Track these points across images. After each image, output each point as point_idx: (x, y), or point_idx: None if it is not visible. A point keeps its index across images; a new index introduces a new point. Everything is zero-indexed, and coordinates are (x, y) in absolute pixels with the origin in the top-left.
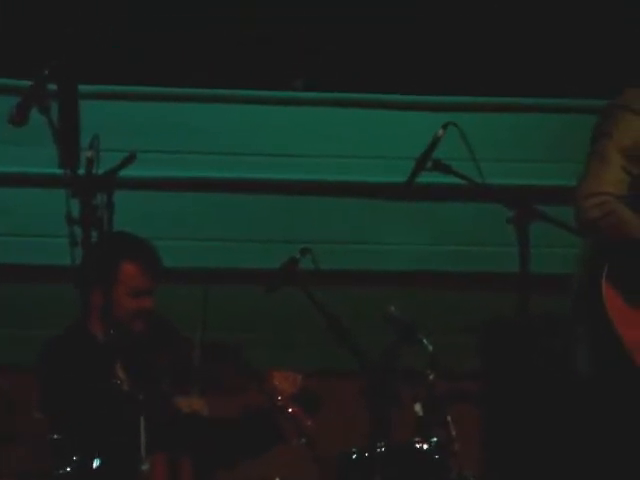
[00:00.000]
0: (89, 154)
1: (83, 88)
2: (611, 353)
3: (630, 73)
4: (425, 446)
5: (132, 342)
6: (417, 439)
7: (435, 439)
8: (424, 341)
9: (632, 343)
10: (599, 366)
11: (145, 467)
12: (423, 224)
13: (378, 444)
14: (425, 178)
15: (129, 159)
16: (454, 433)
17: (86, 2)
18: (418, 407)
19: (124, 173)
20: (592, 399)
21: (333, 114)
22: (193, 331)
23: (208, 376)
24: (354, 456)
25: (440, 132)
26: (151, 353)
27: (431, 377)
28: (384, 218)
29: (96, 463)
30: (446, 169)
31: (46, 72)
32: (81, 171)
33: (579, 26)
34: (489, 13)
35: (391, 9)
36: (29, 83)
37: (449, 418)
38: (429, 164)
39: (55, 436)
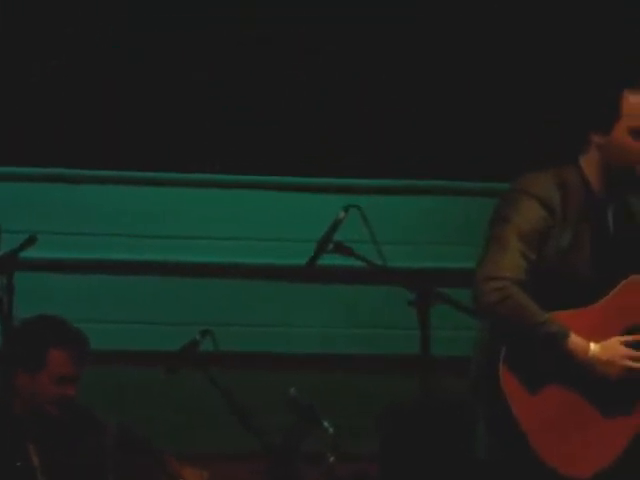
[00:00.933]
0: None
1: None
2: (509, 436)
3: (530, 158)
4: None
5: (46, 426)
6: None
7: None
8: (325, 423)
9: (529, 427)
10: (497, 449)
11: None
12: (324, 306)
13: None
14: (327, 260)
15: (29, 241)
16: None
17: None
18: None
19: (25, 255)
20: None
21: (237, 196)
22: (106, 415)
23: (119, 463)
24: None
25: (342, 215)
26: (66, 438)
27: (332, 459)
28: (286, 300)
29: None
30: (347, 252)
31: None
32: None
33: (481, 110)
34: (390, 96)
35: (295, 94)
36: None
37: None
38: (330, 246)
39: None
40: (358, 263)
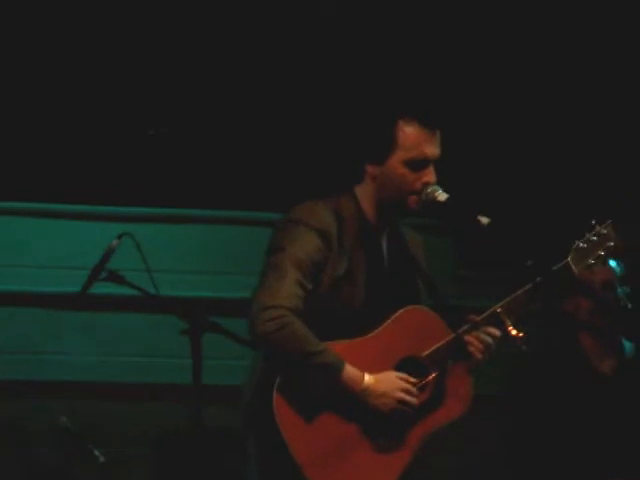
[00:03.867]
0: None
1: None
2: (282, 469)
3: (305, 187)
4: None
5: None
6: None
7: None
8: (96, 452)
9: (303, 459)
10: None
11: None
12: (96, 334)
13: None
14: (99, 288)
15: None
16: None
17: None
18: None
19: None
20: None
21: (12, 223)
22: None
23: None
24: None
25: (114, 242)
26: None
27: None
28: (58, 327)
29: None
30: (120, 280)
31: None
32: None
33: (258, 140)
34: (169, 125)
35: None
36: None
37: None
38: (103, 274)
39: None
40: (131, 291)
